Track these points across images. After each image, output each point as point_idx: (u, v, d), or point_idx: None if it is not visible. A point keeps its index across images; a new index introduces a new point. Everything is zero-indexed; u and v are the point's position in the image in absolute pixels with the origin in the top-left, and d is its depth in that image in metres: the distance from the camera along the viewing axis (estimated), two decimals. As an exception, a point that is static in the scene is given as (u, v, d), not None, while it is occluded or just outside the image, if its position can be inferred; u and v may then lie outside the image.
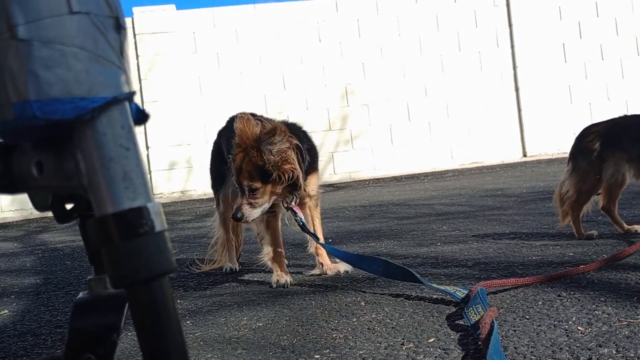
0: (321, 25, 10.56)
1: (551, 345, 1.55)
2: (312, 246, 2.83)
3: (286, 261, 2.80)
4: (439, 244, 3.29)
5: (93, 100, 0.62)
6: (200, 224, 5.86)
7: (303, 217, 2.72)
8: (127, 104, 0.66)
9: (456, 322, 1.86)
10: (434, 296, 2.19)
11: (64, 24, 0.61)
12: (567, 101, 10.89)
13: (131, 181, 0.63)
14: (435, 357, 1.57)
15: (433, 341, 1.70)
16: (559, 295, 2.01)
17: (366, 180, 9.87)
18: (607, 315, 1.74)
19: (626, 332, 1.59)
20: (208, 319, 2.22)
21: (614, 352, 1.46)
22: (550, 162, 9.37)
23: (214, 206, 3.35)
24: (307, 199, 2.79)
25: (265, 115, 2.95)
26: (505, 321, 1.79)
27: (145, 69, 10.09)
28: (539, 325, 1.72)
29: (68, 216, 0.75)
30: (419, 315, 1.97)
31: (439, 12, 10.80)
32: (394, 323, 1.90)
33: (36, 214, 9.23)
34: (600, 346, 1.51)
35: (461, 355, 1.56)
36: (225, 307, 2.38)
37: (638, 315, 1.72)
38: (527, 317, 1.81)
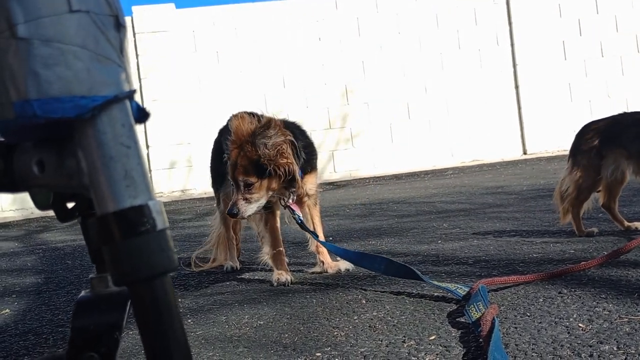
0: (321, 24, 10.55)
1: (552, 342, 1.55)
2: (312, 244, 2.83)
3: (287, 259, 2.81)
4: (439, 241, 3.29)
5: (94, 99, 0.62)
6: (200, 222, 5.86)
7: (301, 215, 2.72)
8: (127, 102, 0.66)
9: (457, 319, 1.86)
10: (435, 294, 2.19)
11: (64, 22, 0.61)
12: (567, 99, 10.89)
13: (132, 179, 0.63)
14: (437, 354, 1.57)
15: (434, 339, 1.70)
16: (559, 293, 2.01)
17: (366, 178, 9.87)
18: (607, 312, 1.74)
19: (627, 329, 1.59)
20: (209, 317, 2.22)
21: (615, 348, 1.46)
22: (550, 159, 9.37)
23: (215, 205, 3.36)
24: (305, 198, 2.79)
25: (265, 114, 2.95)
26: (506, 318, 1.79)
27: (145, 68, 10.08)
28: (540, 322, 1.72)
29: (69, 215, 0.75)
30: (420, 312, 1.97)
31: (438, 11, 10.79)
32: (395, 321, 1.91)
33: (37, 213, 9.23)
34: (601, 343, 1.51)
35: (462, 353, 1.57)
36: (227, 305, 2.38)
37: (639, 311, 1.72)
38: (528, 314, 1.81)
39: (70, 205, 0.76)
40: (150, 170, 9.89)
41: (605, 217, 3.20)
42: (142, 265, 0.63)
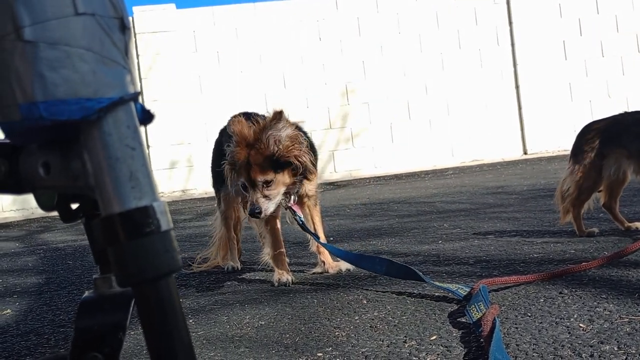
0: (321, 24, 10.55)
1: (553, 342, 1.56)
2: (313, 244, 2.83)
3: (287, 260, 2.81)
4: (440, 241, 3.29)
5: (99, 100, 0.62)
6: (201, 222, 5.87)
7: (302, 216, 2.72)
8: (132, 104, 0.66)
9: (458, 319, 1.87)
10: (436, 294, 2.19)
11: (70, 25, 0.62)
12: (568, 98, 10.89)
13: (137, 181, 0.64)
14: (438, 354, 1.58)
15: (435, 339, 1.70)
16: (560, 293, 2.01)
17: (367, 178, 9.87)
18: (608, 312, 1.75)
19: (627, 329, 1.59)
20: (210, 317, 2.23)
21: (616, 348, 1.46)
22: (550, 159, 9.37)
23: (215, 205, 3.36)
24: (305, 199, 2.79)
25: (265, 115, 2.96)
26: (507, 318, 1.80)
27: (145, 68, 10.09)
28: (541, 323, 1.72)
29: (73, 216, 0.76)
30: (420, 313, 1.98)
31: (439, 10, 10.79)
32: (396, 321, 1.91)
33: (38, 213, 9.23)
34: (601, 343, 1.51)
35: (463, 353, 1.57)
36: (228, 305, 2.38)
37: (639, 311, 1.73)
38: (529, 314, 1.82)
39: (74, 206, 0.76)
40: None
41: (606, 217, 3.21)
42: (147, 266, 0.63)
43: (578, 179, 3.01)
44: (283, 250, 2.75)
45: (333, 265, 2.78)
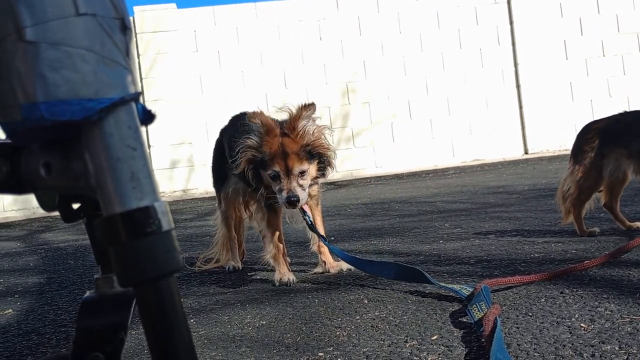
0: (322, 24, 10.56)
1: (554, 342, 1.56)
2: (314, 244, 2.83)
3: (289, 259, 2.81)
4: (441, 241, 3.29)
5: (100, 101, 0.63)
6: (202, 222, 5.87)
7: (311, 216, 2.72)
8: (133, 104, 0.66)
9: (459, 319, 1.87)
10: (437, 294, 2.19)
11: (71, 25, 0.62)
12: (569, 98, 10.88)
13: (138, 181, 0.64)
14: (439, 354, 1.58)
15: (436, 338, 1.70)
16: (561, 293, 2.01)
17: (368, 178, 9.87)
18: (609, 312, 1.75)
19: (629, 329, 1.59)
20: (212, 317, 2.23)
21: (617, 348, 1.46)
22: (551, 159, 9.37)
23: (216, 204, 3.36)
24: (308, 199, 2.79)
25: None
26: (508, 318, 1.80)
27: (146, 67, 10.10)
28: (542, 323, 1.72)
29: (75, 216, 0.76)
30: (422, 312, 1.98)
31: (439, 9, 10.79)
32: (397, 321, 1.91)
33: (39, 213, 9.24)
34: (603, 343, 1.51)
35: (464, 353, 1.57)
36: (229, 305, 2.39)
37: (640, 311, 1.73)
38: (530, 314, 1.82)
39: (75, 206, 0.76)
40: (151, 170, 9.89)
41: (607, 217, 3.21)
42: (149, 266, 0.63)
43: (578, 179, 3.01)
44: (284, 249, 2.76)
45: (334, 264, 2.78)
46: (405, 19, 10.71)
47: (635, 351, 1.43)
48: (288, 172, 2.49)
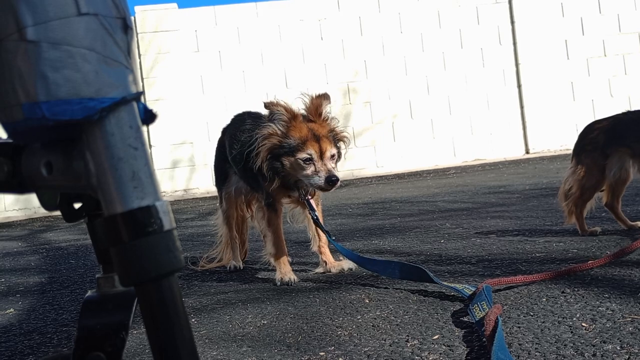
0: (323, 23, 10.56)
1: (555, 342, 1.55)
2: (315, 244, 2.83)
3: (289, 259, 2.81)
4: (442, 241, 3.29)
5: (101, 100, 0.62)
6: (203, 222, 5.87)
7: (315, 212, 2.72)
8: (134, 104, 0.66)
9: (461, 319, 1.87)
10: (438, 293, 2.19)
11: (72, 25, 0.62)
12: (570, 98, 10.88)
13: (140, 180, 0.64)
14: (440, 353, 1.58)
15: (437, 338, 1.70)
16: (562, 292, 2.01)
17: (369, 177, 9.87)
18: (611, 312, 1.75)
19: (630, 328, 1.59)
20: (213, 316, 2.23)
21: (618, 348, 1.46)
22: (553, 158, 9.36)
23: (217, 204, 3.36)
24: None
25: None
26: (509, 318, 1.80)
27: (147, 67, 10.10)
28: (543, 322, 1.72)
29: (76, 215, 0.76)
30: (423, 312, 1.98)
31: (440, 9, 10.79)
32: (399, 320, 1.91)
33: (40, 212, 9.25)
34: (604, 342, 1.51)
35: (466, 352, 1.57)
36: (230, 304, 2.39)
37: (642, 311, 1.72)
38: (532, 313, 1.82)
39: (76, 205, 0.76)
40: (152, 170, 9.90)
41: (609, 217, 3.20)
42: (150, 266, 0.63)
43: (580, 179, 3.00)
44: (285, 249, 2.75)
45: (335, 264, 2.78)
46: (406, 19, 10.71)
47: (636, 350, 1.43)
48: (322, 155, 2.50)
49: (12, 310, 2.72)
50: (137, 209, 0.63)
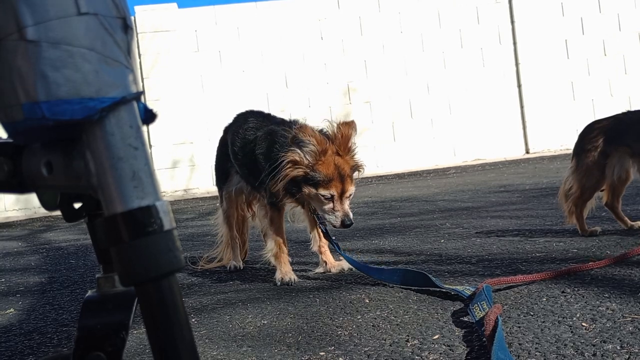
0: (323, 23, 10.56)
1: (556, 342, 1.55)
2: (315, 244, 2.83)
3: (290, 259, 2.81)
4: (442, 240, 3.29)
5: (101, 100, 0.62)
6: (203, 222, 5.87)
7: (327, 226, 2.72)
8: (135, 103, 0.66)
9: (461, 318, 1.87)
10: (438, 293, 2.19)
11: (73, 25, 0.62)
12: (570, 97, 10.88)
13: (140, 180, 0.64)
14: (440, 353, 1.58)
15: (438, 338, 1.70)
16: (563, 292, 2.01)
17: (369, 177, 9.87)
18: (611, 311, 1.75)
19: (630, 328, 1.59)
20: (213, 316, 2.23)
21: (618, 347, 1.46)
22: (553, 158, 9.36)
23: (218, 203, 3.36)
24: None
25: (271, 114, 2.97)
26: (509, 317, 1.80)
27: (147, 67, 10.10)
28: (544, 322, 1.72)
29: (76, 215, 0.76)
30: (423, 312, 1.98)
31: (440, 9, 10.79)
32: (399, 320, 1.91)
33: (40, 212, 9.25)
34: (604, 342, 1.51)
35: (466, 352, 1.57)
36: (230, 304, 2.39)
37: (642, 311, 1.72)
38: (532, 313, 1.82)
39: (77, 205, 0.76)
40: (153, 170, 9.91)
41: (609, 216, 3.20)
42: (150, 266, 0.63)
43: (581, 178, 3.00)
44: (286, 248, 2.75)
45: (335, 264, 2.78)
46: (406, 19, 10.71)
47: (636, 350, 1.43)
48: (342, 194, 2.51)
49: (12, 310, 2.72)
50: (137, 209, 0.63)
